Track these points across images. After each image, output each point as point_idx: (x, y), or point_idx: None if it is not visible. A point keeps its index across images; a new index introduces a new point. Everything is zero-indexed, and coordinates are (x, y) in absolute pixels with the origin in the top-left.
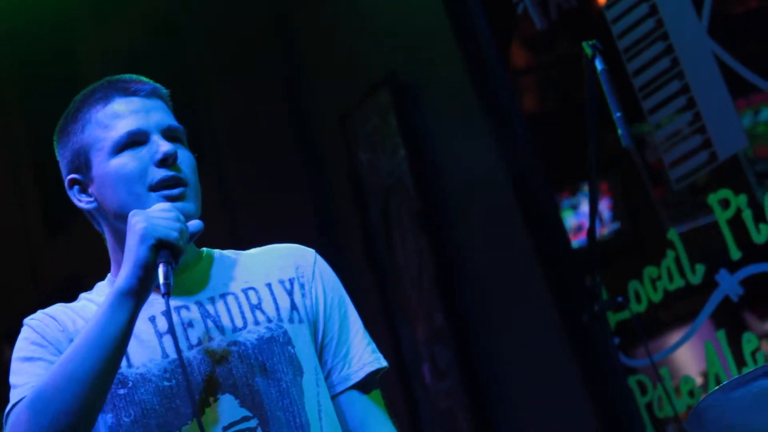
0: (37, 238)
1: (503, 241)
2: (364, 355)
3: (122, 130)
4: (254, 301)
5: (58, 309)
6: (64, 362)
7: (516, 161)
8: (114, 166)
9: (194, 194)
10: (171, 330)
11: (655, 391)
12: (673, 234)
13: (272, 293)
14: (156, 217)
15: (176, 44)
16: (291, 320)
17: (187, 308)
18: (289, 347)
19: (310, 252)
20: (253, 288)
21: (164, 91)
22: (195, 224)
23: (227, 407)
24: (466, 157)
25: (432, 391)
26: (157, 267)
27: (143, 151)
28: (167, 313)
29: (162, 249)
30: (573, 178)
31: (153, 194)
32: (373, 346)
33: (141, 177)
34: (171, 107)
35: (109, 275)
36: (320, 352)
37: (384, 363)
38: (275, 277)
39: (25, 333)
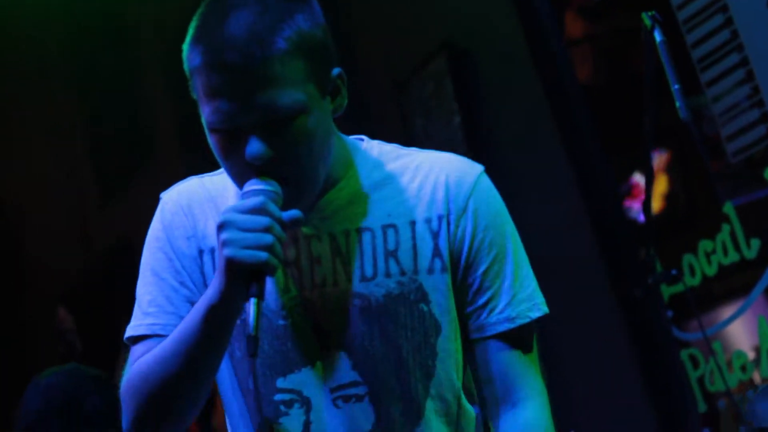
0: (90, 202)
1: (558, 211)
2: (508, 308)
3: (212, 117)
4: (392, 245)
5: (193, 195)
6: (158, 361)
7: (571, 131)
8: (212, 141)
9: (299, 186)
10: (255, 387)
11: (708, 365)
12: (729, 208)
13: (414, 236)
14: (245, 230)
15: None
16: (430, 271)
17: (319, 239)
18: (422, 304)
19: (469, 178)
20: (394, 225)
21: (281, 45)
22: (291, 214)
23: (338, 366)
24: (520, 125)
25: None
26: (246, 298)
27: (237, 144)
28: (252, 374)
29: (250, 279)
30: (628, 149)
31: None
32: (528, 292)
33: (235, 170)
34: (301, 53)
35: None
36: (461, 295)
37: (536, 313)
38: (422, 214)
39: (156, 225)
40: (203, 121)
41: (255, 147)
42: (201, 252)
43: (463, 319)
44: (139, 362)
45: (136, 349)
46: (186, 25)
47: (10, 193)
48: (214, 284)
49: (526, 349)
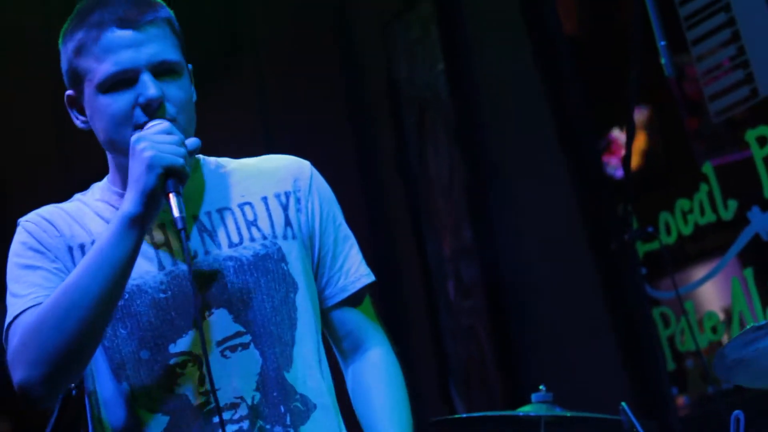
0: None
1: (538, 160)
2: (360, 268)
3: (109, 69)
4: (250, 217)
5: (53, 211)
6: (67, 288)
7: (555, 81)
8: (102, 104)
9: (183, 129)
10: (189, 268)
11: (678, 325)
12: (707, 168)
13: (268, 208)
14: (161, 142)
15: None
16: (285, 237)
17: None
18: (283, 264)
19: (306, 165)
20: (249, 203)
21: (165, 14)
22: (192, 142)
23: (221, 322)
24: (504, 74)
25: (455, 308)
26: (165, 195)
27: (130, 92)
28: (185, 246)
29: (169, 177)
30: (607, 103)
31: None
32: (364, 260)
33: (126, 119)
34: (174, 31)
35: (106, 178)
36: (317, 265)
37: (374, 277)
38: (271, 191)
39: (20, 237)
40: (93, 90)
41: (152, 90)
42: (71, 248)
43: (324, 288)
44: (32, 314)
45: (19, 320)
46: None
47: None
48: (129, 195)
49: (371, 308)
